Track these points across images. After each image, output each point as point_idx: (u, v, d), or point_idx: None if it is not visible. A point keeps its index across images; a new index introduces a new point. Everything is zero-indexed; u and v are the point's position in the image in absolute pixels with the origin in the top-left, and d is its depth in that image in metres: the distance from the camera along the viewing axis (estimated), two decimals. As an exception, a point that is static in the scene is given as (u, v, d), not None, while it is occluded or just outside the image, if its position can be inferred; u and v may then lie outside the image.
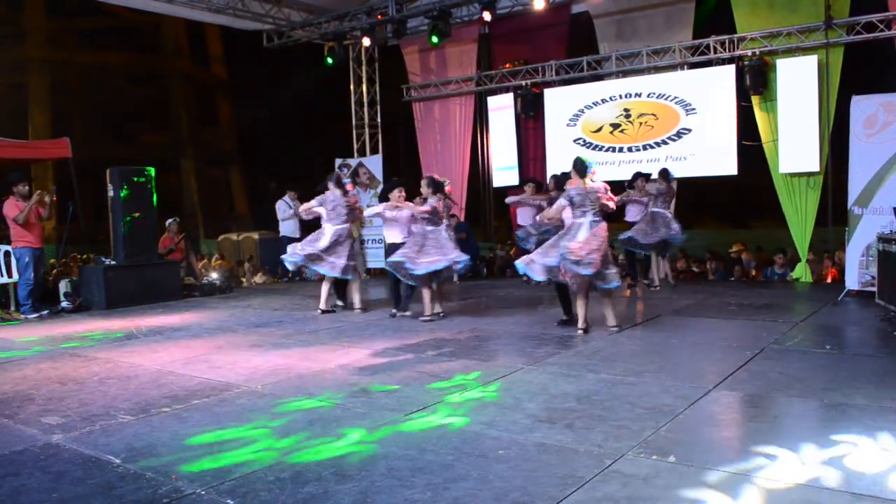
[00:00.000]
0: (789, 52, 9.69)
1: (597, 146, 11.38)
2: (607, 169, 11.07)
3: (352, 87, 14.22)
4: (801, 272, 9.86)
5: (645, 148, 10.94)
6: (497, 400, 4.22)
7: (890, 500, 2.67)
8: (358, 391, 4.54)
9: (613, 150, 11.28)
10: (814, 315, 6.98)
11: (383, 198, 7.79)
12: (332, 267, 7.76)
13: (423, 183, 7.39)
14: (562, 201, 6.19)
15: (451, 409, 4.07)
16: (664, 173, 9.05)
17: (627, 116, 11.10)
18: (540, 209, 8.71)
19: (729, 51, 10.15)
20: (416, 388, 4.54)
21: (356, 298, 8.21)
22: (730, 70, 10.09)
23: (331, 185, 7.92)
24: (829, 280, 9.61)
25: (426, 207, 7.20)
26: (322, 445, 3.50)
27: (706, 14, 10.67)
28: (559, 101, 11.71)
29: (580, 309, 6.22)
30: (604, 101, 11.29)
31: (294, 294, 10.06)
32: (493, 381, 4.68)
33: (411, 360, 5.41)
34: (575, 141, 11.54)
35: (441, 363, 5.28)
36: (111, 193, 9.55)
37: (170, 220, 11.30)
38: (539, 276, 6.16)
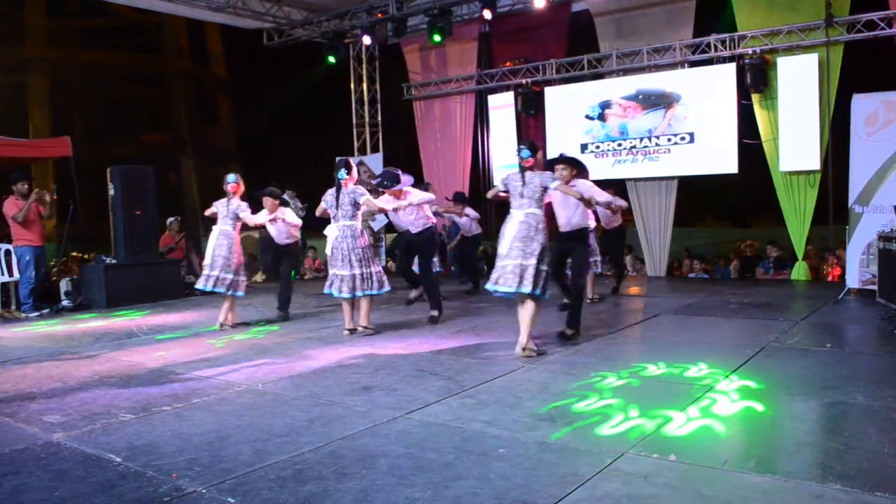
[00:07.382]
0: (790, 50, 9.68)
1: (598, 144, 11.37)
2: (608, 168, 11.07)
3: (352, 85, 14.22)
4: (798, 271, 9.85)
5: (645, 146, 10.92)
6: (498, 398, 4.22)
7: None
8: (359, 389, 4.54)
9: (615, 148, 11.26)
10: (814, 313, 6.98)
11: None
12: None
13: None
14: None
15: (451, 407, 4.08)
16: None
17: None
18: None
19: (729, 49, 10.15)
20: (416, 387, 4.54)
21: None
22: (730, 68, 10.08)
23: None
24: (830, 279, 9.59)
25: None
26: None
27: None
28: (560, 100, 11.70)
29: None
30: (604, 99, 11.28)
31: (295, 293, 10.02)
32: (493, 378, 4.68)
33: (412, 359, 5.41)
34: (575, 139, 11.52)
35: (441, 362, 5.28)
36: (112, 192, 9.55)
37: (171, 219, 11.32)
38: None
